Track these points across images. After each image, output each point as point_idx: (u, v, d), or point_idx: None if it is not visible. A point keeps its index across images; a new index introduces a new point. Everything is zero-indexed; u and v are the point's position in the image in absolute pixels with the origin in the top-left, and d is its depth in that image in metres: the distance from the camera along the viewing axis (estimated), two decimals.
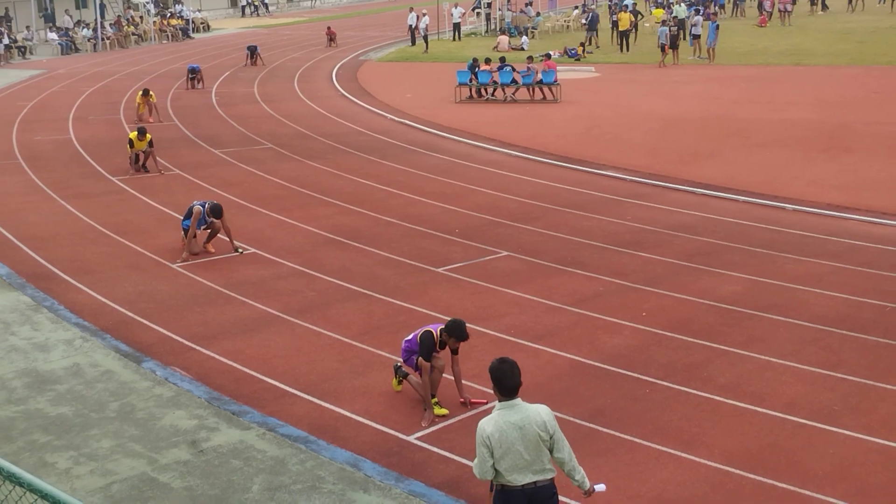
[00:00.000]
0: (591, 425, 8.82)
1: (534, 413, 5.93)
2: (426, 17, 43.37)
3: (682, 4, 42.88)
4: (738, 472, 7.98)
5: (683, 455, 8.27)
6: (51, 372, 10.05)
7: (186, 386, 9.70)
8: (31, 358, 10.42)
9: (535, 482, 5.89)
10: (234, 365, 10.28)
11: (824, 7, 51.20)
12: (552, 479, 5.99)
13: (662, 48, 34.33)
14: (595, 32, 41.44)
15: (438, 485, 7.77)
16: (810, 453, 8.28)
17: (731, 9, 53.51)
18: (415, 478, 7.93)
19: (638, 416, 9.00)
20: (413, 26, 44.14)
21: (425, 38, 42.64)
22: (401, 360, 9.43)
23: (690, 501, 7.58)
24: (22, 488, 4.26)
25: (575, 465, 6.14)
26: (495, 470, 5.88)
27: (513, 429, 5.84)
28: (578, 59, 36.85)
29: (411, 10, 45.29)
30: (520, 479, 5.87)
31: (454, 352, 9.03)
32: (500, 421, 5.86)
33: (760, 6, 51.23)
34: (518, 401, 5.95)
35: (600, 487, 6.41)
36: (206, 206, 13.83)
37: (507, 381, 5.91)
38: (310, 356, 10.50)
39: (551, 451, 6.02)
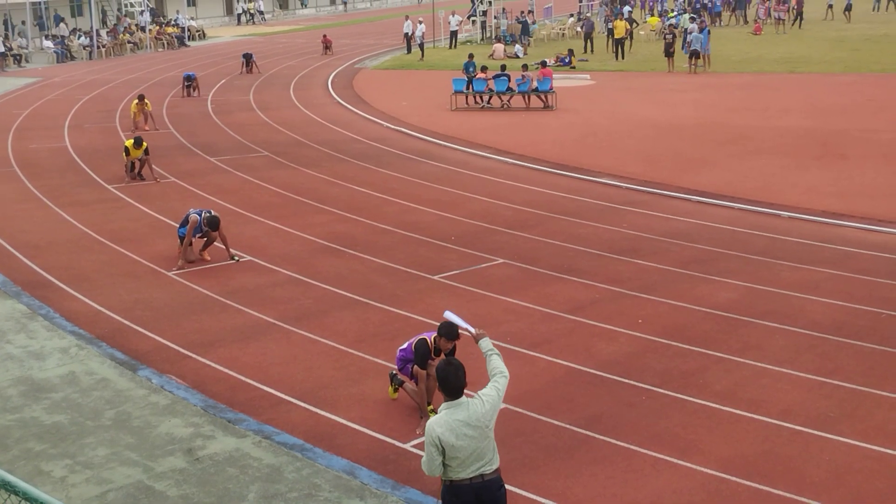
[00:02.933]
0: (587, 432, 8.83)
1: (477, 406, 6.16)
2: (422, 25, 43.42)
3: (684, 14, 42.97)
4: (734, 479, 7.98)
5: (679, 462, 8.27)
6: (46, 380, 10.02)
7: (182, 394, 9.69)
8: (26, 366, 10.40)
9: (482, 475, 6.13)
10: (230, 373, 10.27)
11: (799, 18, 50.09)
12: (498, 471, 6.22)
13: (695, 54, 34.31)
14: (590, 40, 41.54)
15: (434, 492, 7.75)
16: (806, 460, 8.28)
17: (727, 17, 53.57)
18: (411, 485, 7.93)
19: (634, 423, 9.00)
20: (409, 34, 44.18)
21: (421, 46, 42.70)
22: (396, 368, 9.42)
23: None
24: (17, 497, 4.24)
25: (501, 370, 6.39)
26: (444, 466, 6.11)
27: (461, 426, 6.07)
28: (574, 68, 36.88)
29: (407, 18, 45.35)
30: (468, 473, 6.10)
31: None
32: (448, 420, 6.10)
33: (745, 14, 51.41)
34: (463, 399, 6.18)
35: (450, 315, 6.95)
36: (203, 216, 13.80)
37: (451, 382, 6.17)
38: (306, 364, 10.49)
39: (497, 382, 6.31)
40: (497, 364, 6.41)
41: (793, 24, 47.73)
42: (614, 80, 33.81)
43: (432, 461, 6.09)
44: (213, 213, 13.98)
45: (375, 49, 47.70)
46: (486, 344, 6.52)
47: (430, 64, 40.44)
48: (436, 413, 8.94)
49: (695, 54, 34.35)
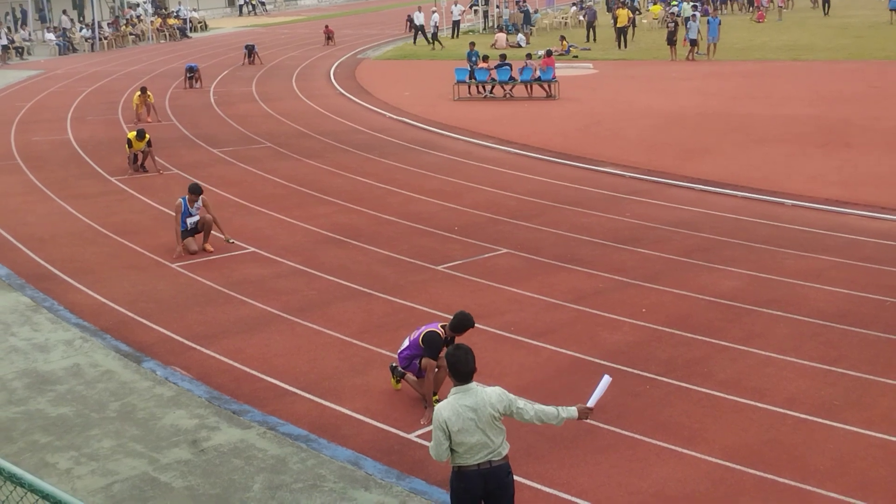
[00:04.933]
0: (592, 422, 8.79)
1: (487, 395, 6.21)
2: (435, 14, 43.38)
3: (686, 2, 42.82)
4: (738, 467, 7.98)
5: (684, 451, 8.28)
6: (51, 372, 10.04)
7: (187, 385, 9.70)
8: (31, 358, 10.42)
9: (490, 462, 6.17)
10: (235, 364, 10.28)
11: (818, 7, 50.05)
12: (506, 458, 6.26)
13: (693, 43, 34.19)
14: (593, 29, 41.44)
15: (439, 482, 7.77)
16: (811, 448, 8.28)
17: (734, 7, 53.25)
18: (415, 475, 7.94)
19: (638, 412, 9.01)
20: (421, 24, 43.88)
21: (434, 35, 42.61)
22: (397, 361, 9.40)
23: (691, 497, 7.58)
24: (23, 489, 4.26)
25: (546, 415, 6.36)
26: (451, 451, 6.16)
27: (468, 411, 6.12)
28: (577, 57, 36.75)
29: (420, 9, 44.94)
30: (476, 459, 6.15)
31: None
32: (455, 405, 6.15)
33: (751, 1, 51.26)
34: (472, 385, 6.23)
35: (604, 382, 6.65)
36: (187, 196, 14.07)
37: (460, 367, 6.23)
38: (310, 355, 10.51)
39: (522, 418, 6.32)
40: (546, 409, 6.35)
41: (825, 12, 47.32)
42: (617, 69, 33.73)
43: (439, 446, 6.13)
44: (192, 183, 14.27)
45: (378, 39, 47.61)
46: (571, 412, 6.43)
47: (432, 54, 40.40)
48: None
49: (692, 42, 34.24)
